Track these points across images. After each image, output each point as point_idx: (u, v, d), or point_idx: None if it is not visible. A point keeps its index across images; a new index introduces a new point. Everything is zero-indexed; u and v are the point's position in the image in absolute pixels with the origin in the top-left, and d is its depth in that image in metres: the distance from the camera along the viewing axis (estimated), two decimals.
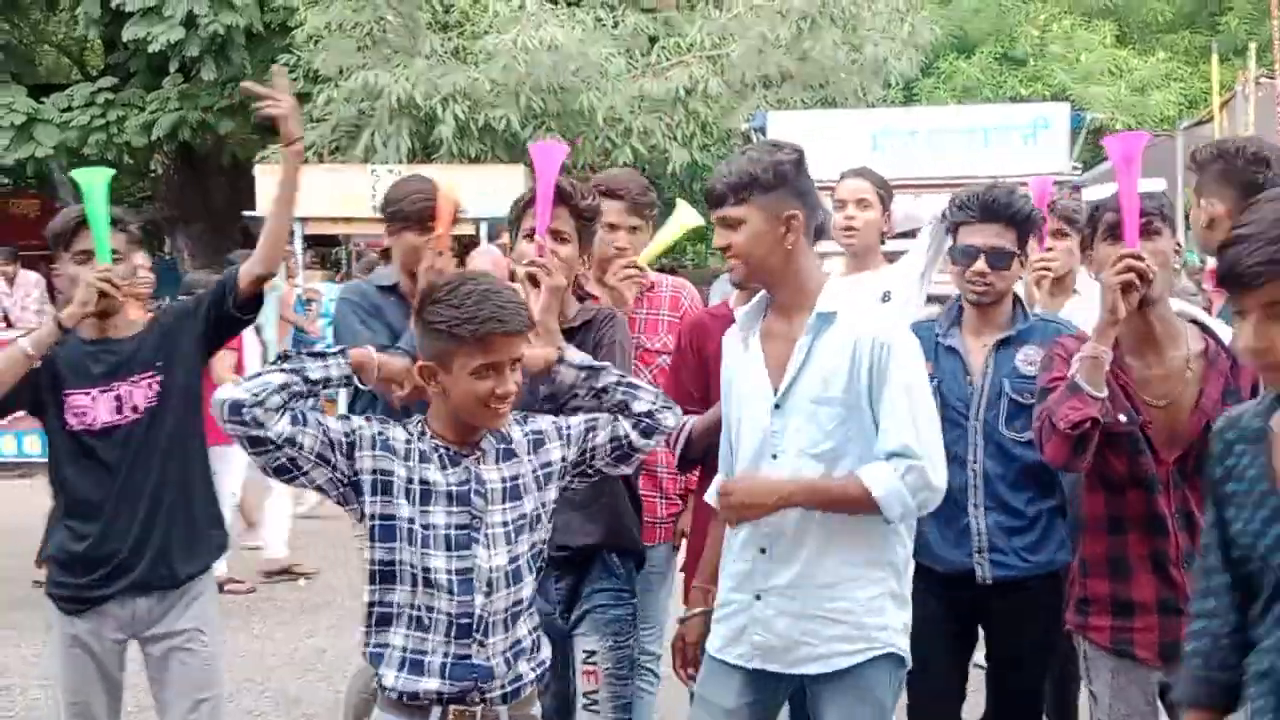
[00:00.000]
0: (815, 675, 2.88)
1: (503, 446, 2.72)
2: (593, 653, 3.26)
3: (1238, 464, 2.05)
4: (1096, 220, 3.17)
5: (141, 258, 8.45)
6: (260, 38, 15.34)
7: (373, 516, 2.62)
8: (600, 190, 3.76)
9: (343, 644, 6.37)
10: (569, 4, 14.61)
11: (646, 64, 14.39)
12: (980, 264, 3.38)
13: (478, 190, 12.01)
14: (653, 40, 14.80)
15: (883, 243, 4.32)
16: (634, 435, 2.83)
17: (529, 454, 2.75)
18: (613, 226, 3.81)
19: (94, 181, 3.44)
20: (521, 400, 2.77)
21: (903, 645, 2.89)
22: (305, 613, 7.01)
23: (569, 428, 2.81)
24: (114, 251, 3.44)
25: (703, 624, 3.11)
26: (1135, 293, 2.85)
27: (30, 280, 13.80)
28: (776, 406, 2.88)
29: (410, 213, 3.87)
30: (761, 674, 2.92)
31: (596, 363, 2.86)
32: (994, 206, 3.41)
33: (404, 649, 2.63)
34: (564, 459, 2.78)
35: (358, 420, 2.65)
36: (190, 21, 14.72)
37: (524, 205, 3.30)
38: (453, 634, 2.61)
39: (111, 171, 3.57)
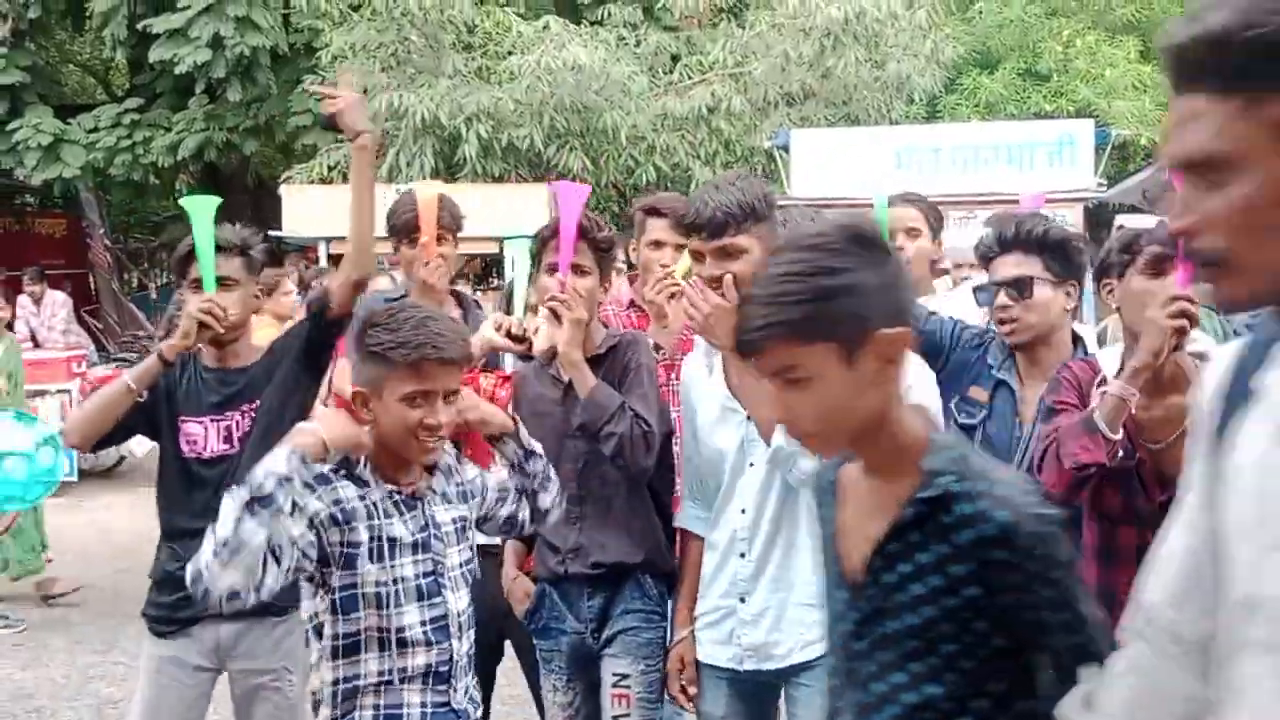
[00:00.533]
0: (797, 667, 2.93)
1: (455, 488, 2.74)
2: (624, 675, 3.24)
3: (821, 515, 1.97)
4: (1137, 250, 2.95)
5: (290, 281, 8.53)
6: (285, 58, 15.44)
7: (340, 589, 2.55)
8: (646, 209, 3.96)
9: None
10: (592, 23, 14.66)
11: (669, 82, 14.41)
12: (1001, 298, 3.20)
13: (504, 209, 12.07)
14: (675, 59, 14.82)
15: (944, 272, 4.25)
16: (527, 522, 2.93)
17: (466, 500, 2.78)
18: (658, 244, 3.87)
19: (202, 210, 3.43)
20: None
21: None
22: None
23: (485, 489, 2.84)
24: (227, 279, 3.44)
25: (695, 643, 3.15)
26: (1184, 337, 2.69)
27: (57, 300, 13.92)
28: (749, 417, 2.97)
29: (399, 226, 4.06)
30: (751, 680, 3.00)
31: (535, 447, 2.90)
32: (1006, 236, 3.26)
33: (376, 708, 2.57)
34: (470, 518, 2.79)
35: (313, 504, 2.51)
36: (216, 43, 14.84)
37: (545, 240, 3.32)
38: (430, 683, 2.60)
39: (218, 200, 3.57)
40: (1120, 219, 3.08)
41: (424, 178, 13.38)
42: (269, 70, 15.27)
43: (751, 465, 2.96)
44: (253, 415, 3.48)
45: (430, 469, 2.71)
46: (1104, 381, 2.82)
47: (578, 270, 3.25)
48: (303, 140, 15.18)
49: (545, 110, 13.19)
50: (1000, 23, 17.29)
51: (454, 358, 2.55)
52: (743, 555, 2.97)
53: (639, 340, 3.36)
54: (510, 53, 13.44)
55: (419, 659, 2.57)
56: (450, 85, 13.34)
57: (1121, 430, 2.76)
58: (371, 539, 2.55)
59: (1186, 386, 2.82)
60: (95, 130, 16.27)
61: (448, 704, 2.62)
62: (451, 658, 2.62)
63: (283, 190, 13.66)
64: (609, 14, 15.00)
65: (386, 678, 2.56)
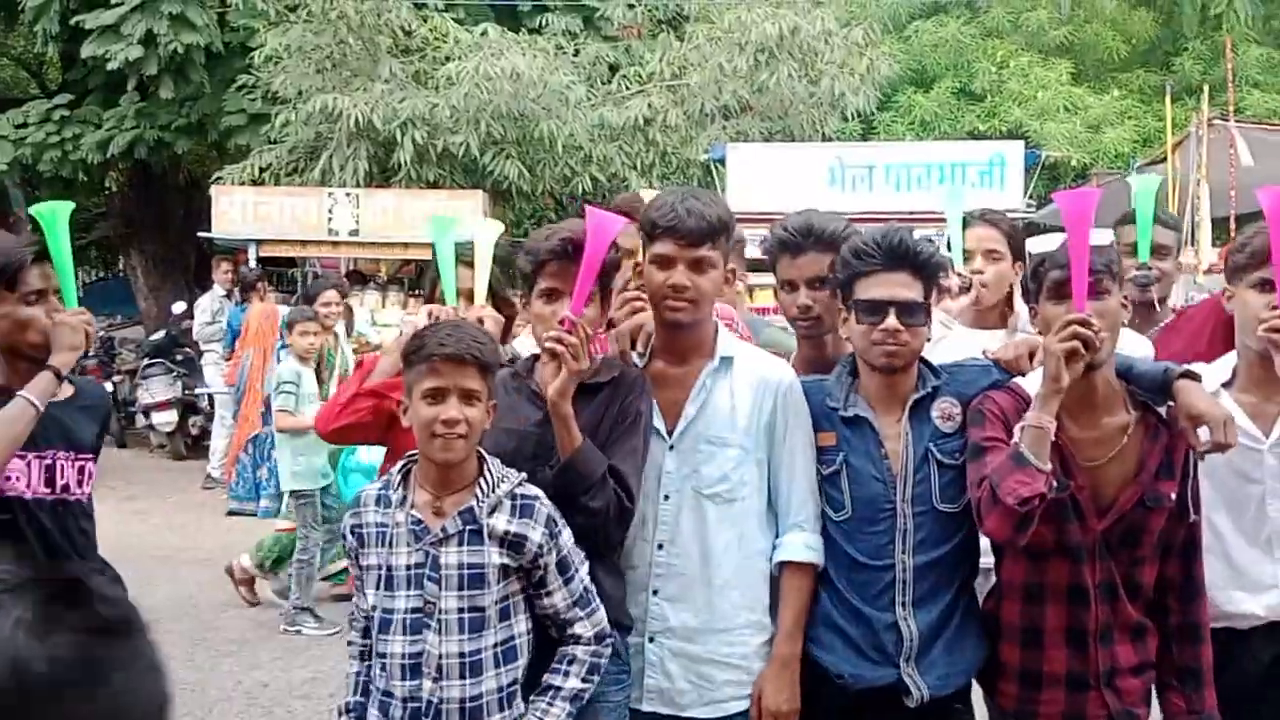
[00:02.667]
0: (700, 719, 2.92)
1: (469, 529, 2.68)
2: None
3: None
4: (1042, 276, 2.85)
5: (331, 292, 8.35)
6: (220, 57, 15.21)
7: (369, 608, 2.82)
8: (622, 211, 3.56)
9: (289, 677, 6.29)
10: (530, 31, 14.63)
11: (606, 92, 14.41)
12: (891, 320, 2.86)
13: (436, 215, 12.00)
14: (613, 69, 14.82)
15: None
16: (555, 631, 2.82)
17: (500, 547, 2.69)
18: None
19: (56, 218, 3.10)
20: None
21: None
22: (248, 646, 6.92)
23: (541, 570, 2.73)
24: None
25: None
26: (1080, 360, 2.64)
27: None
28: (670, 447, 2.93)
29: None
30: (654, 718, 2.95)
31: (591, 597, 2.79)
32: (900, 251, 2.91)
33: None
34: (516, 588, 2.76)
35: (350, 539, 2.80)
36: (149, 40, 14.58)
37: (542, 261, 2.97)
38: (406, 716, 2.69)
39: (71, 205, 3.24)
40: (1029, 244, 3.01)
41: (358, 182, 13.28)
42: (203, 69, 15.02)
43: (667, 499, 2.96)
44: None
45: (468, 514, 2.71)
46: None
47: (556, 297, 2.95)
48: (236, 140, 14.98)
49: (482, 117, 13.12)
50: (935, 42, 17.51)
51: (460, 354, 2.65)
52: (655, 592, 2.96)
53: (641, 384, 2.95)
54: (448, 59, 13.36)
55: (396, 691, 2.70)
56: (386, 90, 13.24)
57: (1054, 456, 2.70)
58: (379, 566, 2.73)
59: (1119, 408, 2.85)
60: (24, 126, 15.92)
61: None
62: (422, 697, 2.66)
63: (213, 191, 13.48)
64: (548, 23, 14.98)
65: (379, 696, 2.76)
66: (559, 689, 2.74)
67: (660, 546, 2.92)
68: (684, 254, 2.85)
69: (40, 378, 3.06)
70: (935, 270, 2.98)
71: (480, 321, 3.09)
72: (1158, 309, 3.95)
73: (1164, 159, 12.00)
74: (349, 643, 2.91)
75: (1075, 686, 2.87)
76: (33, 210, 3.14)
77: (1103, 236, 2.85)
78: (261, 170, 13.89)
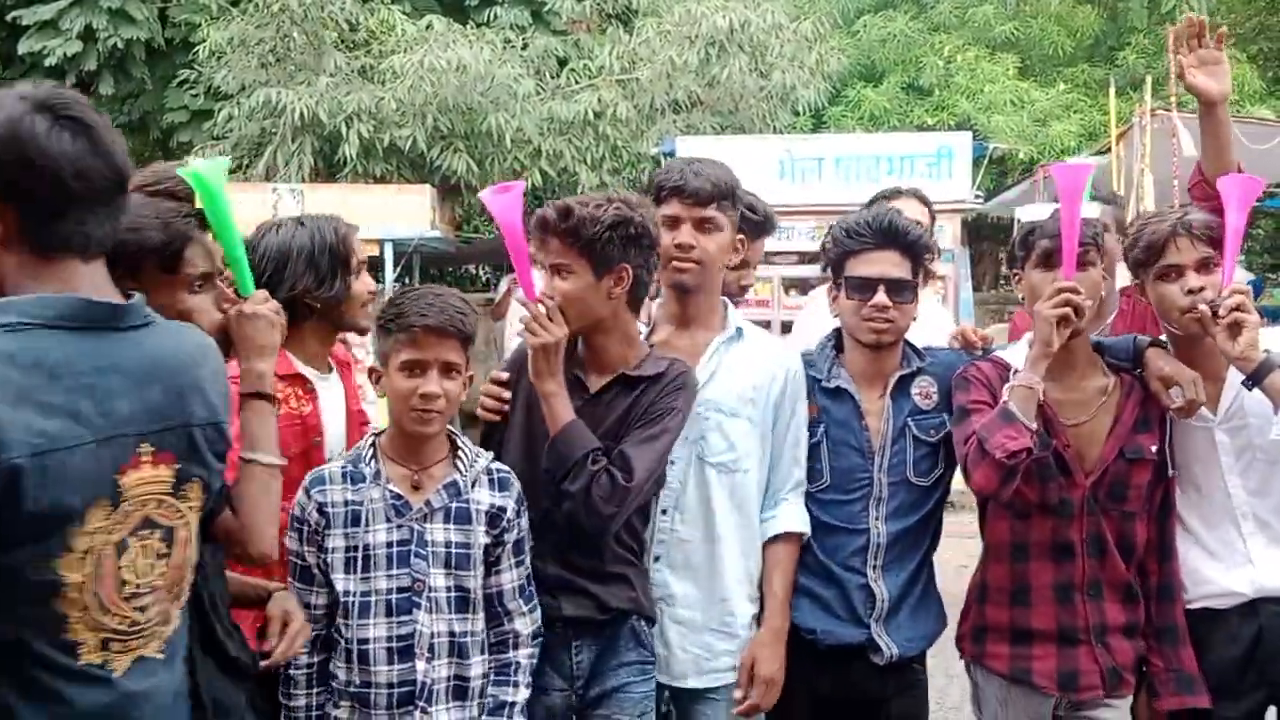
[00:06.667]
0: (694, 690, 2.89)
1: (455, 505, 2.60)
2: None
3: None
4: (1031, 244, 2.92)
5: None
6: (161, 53, 15.03)
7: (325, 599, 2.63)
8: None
9: None
10: (478, 25, 14.53)
11: (556, 86, 14.34)
12: (881, 296, 2.95)
13: (385, 210, 11.87)
14: (562, 62, 14.76)
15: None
16: (488, 621, 2.68)
17: (486, 524, 2.61)
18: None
19: (213, 177, 2.34)
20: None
21: None
22: None
23: (501, 547, 2.64)
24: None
25: None
26: (1069, 326, 2.76)
27: None
28: None
29: None
30: None
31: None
32: (891, 231, 3.00)
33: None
34: (475, 544, 2.63)
35: (297, 514, 2.59)
36: (88, 35, 14.39)
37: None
38: (394, 704, 2.54)
39: (228, 162, 2.56)
40: (1019, 211, 3.08)
41: (303, 178, 13.12)
42: (144, 65, 14.84)
43: (672, 463, 2.88)
44: None
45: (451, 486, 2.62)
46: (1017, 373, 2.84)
47: (557, 271, 2.70)
48: (179, 137, 14.79)
49: (428, 111, 13.02)
50: (884, 37, 17.58)
51: (444, 327, 2.55)
52: (657, 559, 2.93)
53: (688, 386, 2.78)
54: (393, 52, 13.24)
55: (381, 677, 2.54)
56: (331, 83, 13.10)
57: (1037, 416, 2.78)
58: (347, 548, 2.55)
59: (1097, 371, 2.96)
60: None
61: None
62: (416, 680, 2.54)
63: None
64: (495, 16, 14.89)
65: (352, 688, 2.56)
66: (513, 704, 2.63)
67: (664, 512, 2.89)
68: (690, 213, 2.89)
69: (253, 419, 2.30)
70: (923, 251, 3.05)
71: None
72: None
73: (1109, 150, 12.09)
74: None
75: (1066, 641, 2.93)
76: (182, 171, 2.37)
77: (1091, 210, 2.92)
78: None
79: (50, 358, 1.67)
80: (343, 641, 2.56)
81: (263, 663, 2.39)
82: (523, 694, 2.64)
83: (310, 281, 2.83)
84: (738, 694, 2.90)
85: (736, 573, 2.94)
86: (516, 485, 2.68)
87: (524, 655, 2.66)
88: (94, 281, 1.79)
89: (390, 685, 2.53)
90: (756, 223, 3.34)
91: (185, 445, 1.86)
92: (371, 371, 2.67)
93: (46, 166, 1.70)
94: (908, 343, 3.11)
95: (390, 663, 2.53)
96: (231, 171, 13.59)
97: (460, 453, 2.65)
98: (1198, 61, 3.06)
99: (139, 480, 1.77)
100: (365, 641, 2.53)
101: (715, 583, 2.91)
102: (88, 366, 1.71)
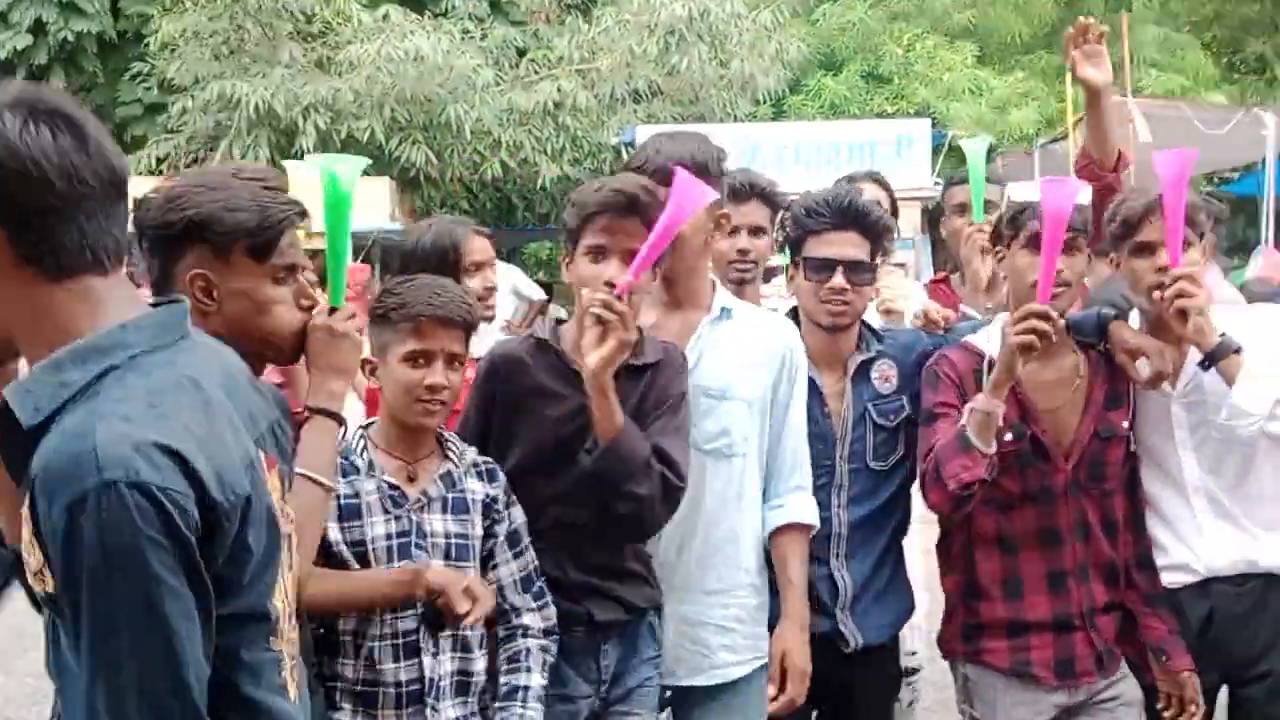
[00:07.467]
0: (697, 687, 2.80)
1: (452, 495, 2.53)
2: None
3: None
4: (1020, 224, 2.85)
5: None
6: (113, 45, 14.83)
7: None
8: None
9: None
10: (436, 15, 14.42)
11: (515, 76, 14.26)
12: (839, 278, 2.89)
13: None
14: (521, 53, 14.69)
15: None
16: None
17: (481, 515, 2.55)
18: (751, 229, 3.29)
19: (344, 179, 2.31)
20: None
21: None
22: None
23: (493, 540, 2.57)
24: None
25: None
26: (1033, 354, 2.64)
27: None
28: None
29: None
30: None
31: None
32: (850, 212, 2.94)
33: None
34: (473, 535, 2.57)
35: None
36: (39, 28, 14.18)
37: (590, 214, 2.58)
38: (403, 703, 2.45)
39: (366, 161, 2.55)
40: (1010, 188, 3.07)
41: None
42: (95, 58, 14.64)
43: None
44: None
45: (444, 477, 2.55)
46: (992, 364, 2.76)
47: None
48: (132, 131, 14.60)
49: (386, 102, 12.92)
50: (843, 26, 17.60)
51: (452, 317, 2.48)
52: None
53: (682, 364, 2.72)
54: (350, 42, 13.12)
55: (389, 675, 2.44)
56: (287, 75, 12.97)
57: (1013, 400, 2.76)
58: (340, 543, 2.44)
59: (1068, 349, 2.90)
60: None
61: None
62: (425, 676, 2.45)
63: None
64: (453, 6, 14.78)
65: (359, 688, 2.45)
66: (527, 688, 2.53)
67: None
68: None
69: (319, 437, 2.22)
70: (882, 232, 2.99)
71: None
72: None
73: (1065, 137, 12.17)
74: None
75: (1061, 628, 2.90)
76: (321, 167, 2.31)
77: (1084, 195, 2.85)
78: (159, 161, 13.54)
79: (201, 389, 1.47)
80: (348, 640, 2.46)
81: (469, 619, 2.38)
82: (537, 680, 2.55)
83: None
84: (771, 690, 2.81)
85: (732, 563, 2.82)
86: (502, 476, 2.63)
87: (535, 644, 2.58)
88: (121, 297, 1.50)
89: (398, 684, 2.45)
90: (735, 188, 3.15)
91: (276, 445, 1.66)
92: (365, 363, 2.51)
93: (25, 170, 1.41)
94: (865, 324, 3.06)
95: (396, 660, 2.45)
96: (187, 166, 13.60)
97: (449, 444, 2.59)
98: (1083, 56, 3.33)
99: (272, 488, 1.57)
100: (370, 639, 2.45)
101: (707, 575, 2.80)
102: (212, 382, 1.51)
